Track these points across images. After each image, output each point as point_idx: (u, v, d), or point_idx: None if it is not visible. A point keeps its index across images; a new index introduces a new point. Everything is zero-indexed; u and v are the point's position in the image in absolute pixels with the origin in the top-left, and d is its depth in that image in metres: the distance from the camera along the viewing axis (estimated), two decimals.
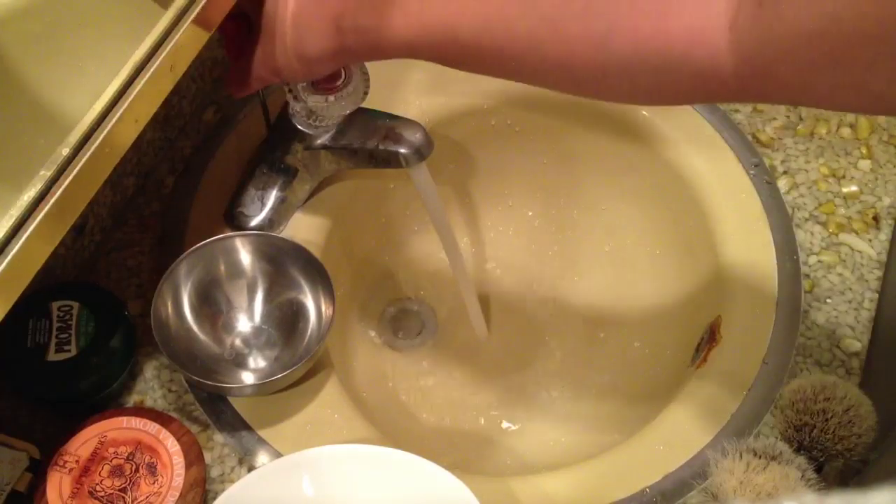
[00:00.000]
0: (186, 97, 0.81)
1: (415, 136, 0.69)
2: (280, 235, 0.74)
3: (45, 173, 0.52)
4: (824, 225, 0.77)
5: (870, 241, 0.76)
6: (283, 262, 0.71)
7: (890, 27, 0.38)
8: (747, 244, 0.75)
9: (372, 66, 0.70)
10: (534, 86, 0.55)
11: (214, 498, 0.60)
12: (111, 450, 0.62)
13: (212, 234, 0.70)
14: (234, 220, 0.75)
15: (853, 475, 0.63)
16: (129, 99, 0.57)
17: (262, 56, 0.60)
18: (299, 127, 0.71)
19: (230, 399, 0.68)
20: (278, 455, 0.65)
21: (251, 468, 0.65)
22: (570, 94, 0.53)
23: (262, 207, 0.75)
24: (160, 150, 0.79)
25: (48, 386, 0.63)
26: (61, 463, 0.61)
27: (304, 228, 0.76)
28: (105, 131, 0.55)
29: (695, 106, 0.83)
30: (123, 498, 0.60)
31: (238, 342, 0.71)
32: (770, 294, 0.72)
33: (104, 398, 0.66)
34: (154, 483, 0.60)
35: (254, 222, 0.74)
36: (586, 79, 0.50)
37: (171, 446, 0.62)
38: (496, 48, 0.52)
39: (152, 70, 0.58)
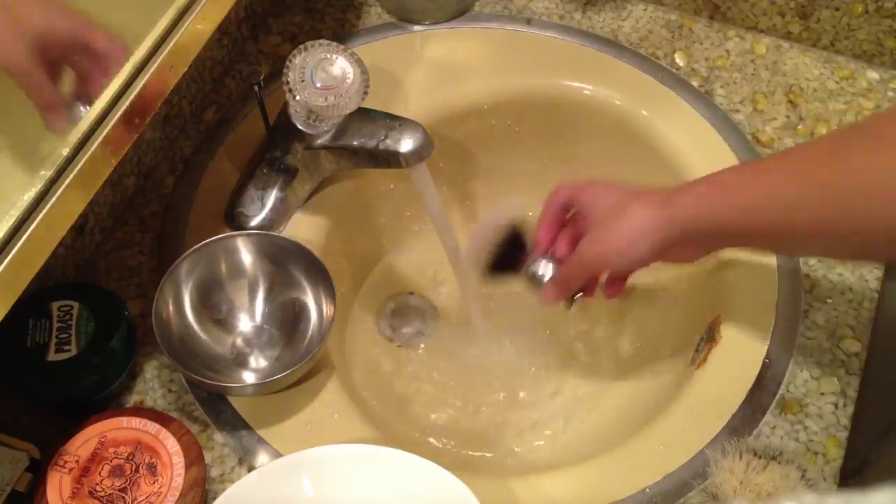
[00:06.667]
0: (186, 97, 0.81)
1: (415, 136, 0.69)
2: (281, 235, 0.74)
3: (45, 173, 0.52)
4: None
5: None
6: (284, 261, 0.71)
7: None
8: None
9: (372, 66, 0.70)
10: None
11: (214, 498, 0.60)
12: (111, 450, 0.62)
13: (212, 234, 0.70)
14: (234, 221, 0.75)
15: (853, 475, 0.63)
16: (129, 99, 0.57)
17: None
18: (299, 127, 0.71)
19: (230, 399, 0.68)
20: (278, 455, 0.65)
21: (251, 468, 0.65)
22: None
23: (262, 207, 0.74)
24: (160, 150, 0.79)
25: (48, 386, 0.63)
26: (61, 463, 0.61)
27: (304, 228, 0.76)
28: (105, 131, 0.55)
29: (695, 106, 0.83)
30: (123, 498, 0.60)
31: (239, 342, 0.71)
32: (770, 294, 0.72)
33: (104, 398, 0.66)
34: (154, 483, 0.60)
35: (254, 222, 0.74)
36: None
37: (171, 446, 0.62)
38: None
39: (152, 70, 0.58)
